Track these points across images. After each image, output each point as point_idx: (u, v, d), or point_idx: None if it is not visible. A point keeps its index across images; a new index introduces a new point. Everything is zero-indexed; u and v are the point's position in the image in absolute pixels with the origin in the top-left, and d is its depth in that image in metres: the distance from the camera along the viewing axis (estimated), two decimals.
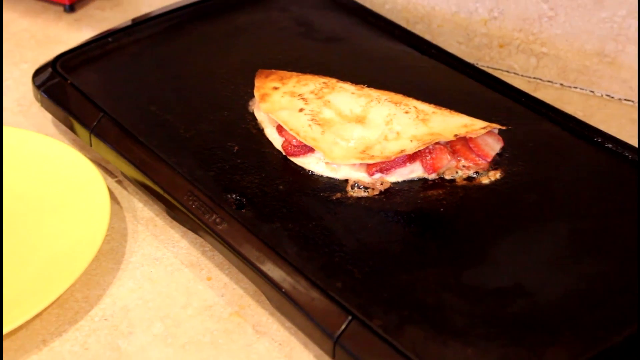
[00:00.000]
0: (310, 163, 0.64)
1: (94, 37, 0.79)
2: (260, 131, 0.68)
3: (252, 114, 0.70)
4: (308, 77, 0.70)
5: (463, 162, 0.64)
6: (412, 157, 0.63)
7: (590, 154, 0.67)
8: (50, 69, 0.74)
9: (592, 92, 0.83)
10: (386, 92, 0.68)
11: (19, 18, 0.92)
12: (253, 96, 0.70)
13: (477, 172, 0.64)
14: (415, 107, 0.66)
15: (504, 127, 0.66)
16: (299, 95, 0.68)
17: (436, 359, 0.50)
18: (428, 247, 0.58)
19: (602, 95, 0.82)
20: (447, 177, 0.64)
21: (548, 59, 0.83)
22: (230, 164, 0.65)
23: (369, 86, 0.69)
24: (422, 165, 0.63)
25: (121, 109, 0.69)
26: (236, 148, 0.66)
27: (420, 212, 0.61)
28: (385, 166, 0.63)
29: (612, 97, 0.82)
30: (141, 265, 0.63)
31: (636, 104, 0.81)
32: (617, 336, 0.52)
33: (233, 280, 0.62)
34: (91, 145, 0.69)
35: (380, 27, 0.82)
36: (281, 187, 0.63)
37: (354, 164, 0.63)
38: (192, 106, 0.71)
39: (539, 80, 0.84)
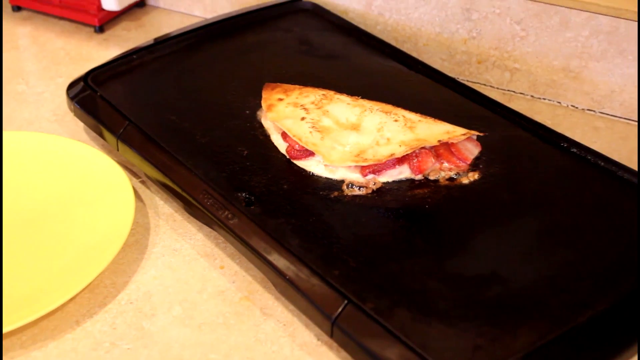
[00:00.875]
0: (311, 165, 0.64)
1: (120, 54, 0.79)
2: (267, 137, 0.68)
3: (260, 123, 0.70)
4: (309, 89, 0.70)
5: (446, 164, 0.64)
6: (400, 160, 0.63)
7: (557, 157, 0.67)
8: (82, 83, 0.74)
9: (559, 103, 0.83)
10: (378, 103, 0.68)
11: (55, 38, 0.92)
12: (260, 107, 0.70)
13: (457, 174, 0.64)
14: (404, 116, 0.66)
15: (481, 134, 0.66)
16: (301, 105, 0.68)
17: (422, 338, 0.50)
18: (415, 239, 0.58)
19: (567, 106, 0.82)
20: (432, 177, 0.64)
21: (520, 74, 0.83)
22: (240, 166, 0.65)
23: (363, 97, 0.69)
24: (410, 167, 0.64)
25: (144, 118, 0.70)
26: (245, 152, 0.66)
27: (407, 209, 0.61)
28: (377, 168, 0.63)
29: (577, 108, 0.82)
30: (162, 255, 0.63)
31: (597, 113, 0.81)
32: (580, 317, 0.52)
33: (243, 269, 0.62)
34: (118, 150, 0.69)
35: (373, 45, 0.82)
36: (285, 186, 0.63)
37: (350, 166, 0.63)
38: (206, 115, 0.71)
39: (512, 93, 0.84)
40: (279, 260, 0.56)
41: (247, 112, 0.71)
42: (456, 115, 0.69)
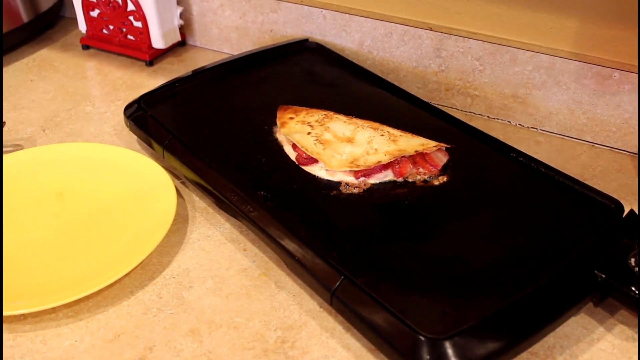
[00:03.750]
0: (315, 170, 0.64)
1: (165, 83, 0.78)
2: (280, 148, 0.68)
3: (275, 137, 0.69)
4: (314, 110, 0.70)
5: (421, 169, 0.64)
6: (385, 166, 0.63)
7: (508, 164, 0.66)
8: (136, 105, 0.74)
9: (509, 122, 0.82)
10: (368, 122, 0.68)
11: (115, 70, 0.92)
12: (276, 124, 0.70)
13: (430, 177, 0.64)
14: (388, 132, 0.66)
15: (449, 146, 0.66)
16: (308, 123, 0.68)
17: (402, 306, 0.50)
18: (396, 228, 0.58)
19: (516, 124, 0.82)
20: (410, 180, 0.64)
21: (479, 99, 0.83)
22: (259, 171, 0.64)
23: (356, 117, 0.69)
24: (393, 172, 0.63)
25: (184, 132, 0.69)
26: (264, 159, 0.66)
27: (391, 205, 0.61)
28: (367, 172, 0.63)
29: (523, 126, 0.82)
30: (198, 240, 0.63)
31: (539, 130, 0.81)
32: (526, 289, 0.51)
33: (261, 251, 0.62)
34: (164, 157, 0.69)
35: (364, 76, 0.82)
36: (294, 186, 0.63)
37: (346, 171, 0.63)
38: (233, 130, 0.71)
39: (472, 114, 0.84)
40: (290, 245, 0.56)
41: (265, 127, 0.71)
42: (429, 131, 0.69)
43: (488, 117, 0.83)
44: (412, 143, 0.65)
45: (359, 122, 0.68)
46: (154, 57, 0.94)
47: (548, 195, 0.62)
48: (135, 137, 0.76)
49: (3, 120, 0.76)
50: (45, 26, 1.02)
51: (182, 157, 0.67)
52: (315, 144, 0.65)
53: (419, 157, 0.64)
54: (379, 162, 0.62)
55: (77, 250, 0.60)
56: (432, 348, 0.47)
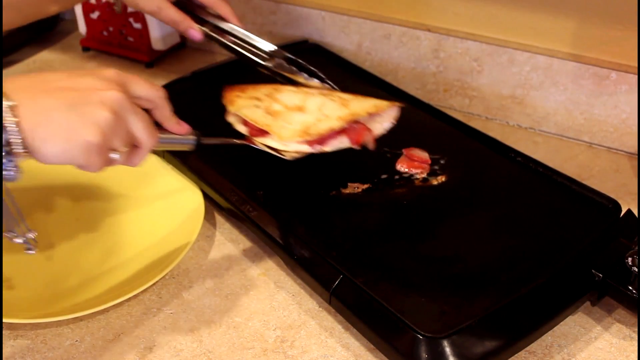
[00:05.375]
0: (270, 141, 0.59)
1: (165, 84, 0.79)
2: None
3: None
4: (261, 86, 0.65)
5: (413, 170, 0.64)
6: (339, 132, 0.59)
7: (506, 164, 0.67)
8: None
9: (507, 122, 0.83)
10: (317, 89, 0.64)
11: None
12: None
13: (429, 176, 0.64)
14: (340, 96, 0.63)
15: (401, 104, 0.63)
16: (255, 97, 0.63)
17: (400, 305, 0.50)
18: (395, 228, 0.58)
19: (513, 125, 0.82)
20: (405, 174, 0.64)
21: (477, 100, 0.83)
22: (258, 172, 0.64)
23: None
24: (348, 138, 0.60)
25: None
26: (263, 159, 0.66)
27: (390, 204, 0.61)
28: (320, 140, 0.59)
29: (521, 126, 0.82)
30: (197, 240, 0.63)
31: (536, 131, 0.81)
32: (524, 288, 0.52)
33: (261, 251, 0.62)
34: (164, 157, 0.69)
35: (362, 77, 0.82)
36: (294, 186, 0.63)
37: (299, 141, 0.59)
38: (232, 131, 0.71)
39: (471, 114, 0.84)
40: (289, 244, 0.56)
41: None
42: (427, 132, 0.69)
43: (486, 117, 0.84)
44: (364, 105, 0.61)
45: (310, 90, 0.64)
46: (153, 59, 0.94)
47: (546, 195, 0.62)
48: None
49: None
50: (46, 28, 1.02)
51: (182, 157, 0.67)
52: (264, 115, 0.60)
53: (407, 158, 0.65)
54: (331, 128, 0.59)
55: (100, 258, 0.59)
56: (431, 347, 0.47)
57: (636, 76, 0.72)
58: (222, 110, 0.75)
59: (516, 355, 0.51)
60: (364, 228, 0.58)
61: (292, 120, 0.60)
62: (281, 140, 0.59)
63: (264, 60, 0.69)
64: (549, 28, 0.76)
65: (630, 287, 0.52)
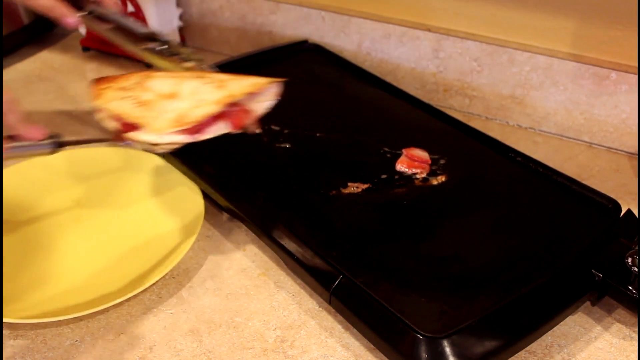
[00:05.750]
0: (143, 135, 0.53)
1: None
2: (273, 150, 0.68)
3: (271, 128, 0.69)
4: (132, 74, 0.60)
5: (414, 170, 0.64)
6: (217, 117, 0.55)
7: (506, 164, 0.67)
8: None
9: (507, 122, 0.83)
10: (194, 72, 0.60)
11: (114, 71, 0.92)
12: (275, 123, 0.70)
13: (429, 176, 0.64)
14: (216, 78, 0.58)
15: (282, 80, 0.59)
16: (124, 88, 0.58)
17: (400, 305, 0.50)
18: (395, 228, 0.58)
19: (513, 125, 0.82)
20: (405, 175, 0.64)
21: (477, 100, 0.83)
22: (259, 172, 0.64)
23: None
24: (228, 123, 0.56)
25: None
26: (263, 159, 0.66)
27: (390, 204, 0.61)
28: (197, 128, 0.54)
29: (520, 126, 0.82)
30: (198, 241, 0.63)
31: (537, 130, 0.81)
32: (524, 288, 0.52)
33: (261, 251, 0.62)
34: (164, 157, 0.69)
35: (362, 77, 0.82)
36: (294, 186, 0.63)
37: (174, 131, 0.53)
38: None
39: (470, 114, 0.84)
40: (289, 244, 0.56)
41: (265, 127, 0.71)
42: (427, 132, 0.69)
43: (486, 117, 0.84)
44: (242, 85, 0.57)
45: (184, 74, 0.60)
46: None
47: (546, 195, 0.62)
48: None
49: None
50: (46, 28, 1.02)
51: (181, 157, 0.67)
52: (133, 107, 0.55)
53: (407, 159, 0.65)
54: (208, 114, 0.54)
55: (104, 258, 0.59)
56: (431, 347, 0.47)
57: (636, 76, 0.72)
58: None
59: (516, 355, 0.51)
60: (364, 228, 0.58)
61: (165, 109, 0.55)
62: (154, 132, 0.53)
63: (138, 45, 0.65)
64: (549, 28, 0.76)
65: (630, 287, 0.52)
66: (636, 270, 0.52)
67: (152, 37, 0.65)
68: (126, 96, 0.56)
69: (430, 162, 0.65)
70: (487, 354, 0.48)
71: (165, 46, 0.64)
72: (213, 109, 0.54)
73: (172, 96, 0.56)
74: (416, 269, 0.53)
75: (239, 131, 0.56)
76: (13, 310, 0.52)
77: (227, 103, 0.55)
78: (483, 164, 0.67)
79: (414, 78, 0.86)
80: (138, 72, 0.60)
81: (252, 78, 0.58)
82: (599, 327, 0.55)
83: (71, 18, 0.65)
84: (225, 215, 0.66)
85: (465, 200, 0.62)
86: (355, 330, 0.53)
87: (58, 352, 0.52)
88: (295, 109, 0.74)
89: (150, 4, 0.89)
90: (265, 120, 0.71)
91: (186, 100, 0.55)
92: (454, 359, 0.46)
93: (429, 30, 0.82)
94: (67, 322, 0.54)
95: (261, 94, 0.57)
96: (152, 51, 0.64)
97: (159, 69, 0.62)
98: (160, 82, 0.58)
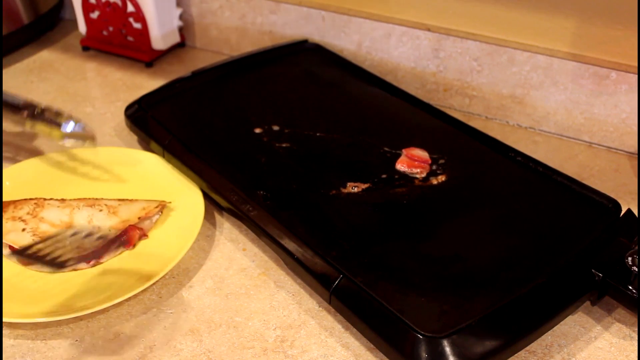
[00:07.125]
0: (41, 267, 0.58)
1: (165, 84, 0.79)
2: (281, 148, 0.68)
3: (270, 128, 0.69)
4: (21, 202, 0.63)
5: (414, 169, 0.64)
6: (113, 241, 0.59)
7: (506, 164, 0.66)
8: (136, 105, 0.74)
9: (507, 122, 0.83)
10: (82, 199, 0.64)
11: (115, 71, 0.92)
12: (275, 124, 0.70)
13: (429, 176, 0.64)
14: (106, 205, 0.63)
15: (168, 202, 0.64)
16: (19, 218, 0.61)
17: (400, 305, 0.50)
18: (395, 227, 0.58)
19: (513, 125, 0.82)
20: (409, 176, 0.64)
21: (477, 100, 0.83)
22: (259, 170, 0.64)
23: (70, 199, 0.64)
24: (123, 243, 0.60)
25: (184, 132, 0.69)
26: (263, 159, 0.66)
27: (390, 203, 0.61)
28: (95, 254, 0.59)
29: (521, 126, 0.82)
30: (197, 240, 0.63)
31: (536, 130, 0.81)
32: (523, 289, 0.52)
33: (261, 251, 0.62)
34: (164, 157, 0.69)
35: (362, 77, 0.82)
36: (294, 186, 0.63)
37: (75, 259, 0.58)
38: (232, 131, 0.71)
39: (470, 114, 0.84)
40: (289, 244, 0.56)
41: (265, 127, 0.71)
42: (427, 131, 0.69)
43: (486, 117, 0.83)
44: (133, 209, 0.62)
45: (73, 202, 0.63)
46: (153, 59, 0.94)
47: (546, 194, 0.62)
48: (135, 137, 0.76)
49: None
50: (46, 28, 1.02)
51: (181, 156, 0.67)
52: (33, 239, 0.59)
53: (405, 159, 0.65)
54: (106, 240, 0.59)
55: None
56: (431, 346, 0.47)
57: (636, 76, 0.72)
58: (222, 110, 0.75)
59: (516, 355, 0.51)
60: (364, 228, 0.58)
61: (64, 239, 0.59)
62: (56, 262, 0.57)
63: (16, 114, 0.64)
64: (549, 28, 0.76)
65: (630, 287, 0.52)
66: (636, 270, 0.52)
67: (29, 106, 0.64)
68: (23, 228, 0.60)
69: (430, 162, 0.65)
70: (487, 354, 0.48)
71: (42, 113, 0.63)
72: (110, 234, 0.60)
73: (68, 226, 0.60)
74: (416, 269, 0.53)
75: (131, 248, 0.60)
76: (13, 310, 0.52)
77: (121, 229, 0.60)
78: (483, 164, 0.67)
79: (414, 78, 0.86)
80: (27, 201, 0.63)
81: (141, 202, 0.63)
82: (599, 327, 0.55)
83: None
84: (225, 215, 0.66)
85: (465, 200, 0.62)
86: (355, 330, 0.53)
87: (58, 352, 0.52)
88: (295, 108, 0.74)
89: (150, 4, 0.89)
90: (265, 120, 0.72)
91: (82, 229, 0.60)
92: (454, 358, 0.46)
93: (429, 30, 0.82)
94: (67, 322, 0.54)
95: (151, 216, 0.62)
96: (33, 117, 0.63)
97: (47, 199, 0.64)
98: (53, 212, 0.62)
